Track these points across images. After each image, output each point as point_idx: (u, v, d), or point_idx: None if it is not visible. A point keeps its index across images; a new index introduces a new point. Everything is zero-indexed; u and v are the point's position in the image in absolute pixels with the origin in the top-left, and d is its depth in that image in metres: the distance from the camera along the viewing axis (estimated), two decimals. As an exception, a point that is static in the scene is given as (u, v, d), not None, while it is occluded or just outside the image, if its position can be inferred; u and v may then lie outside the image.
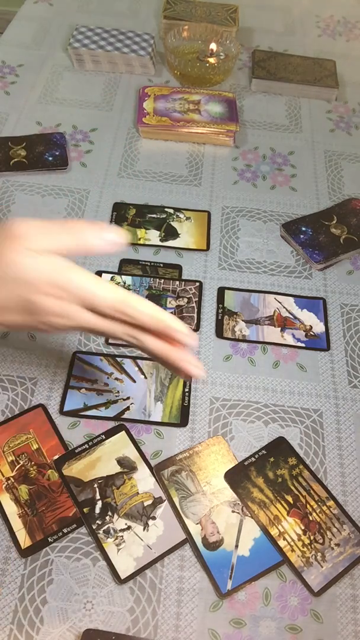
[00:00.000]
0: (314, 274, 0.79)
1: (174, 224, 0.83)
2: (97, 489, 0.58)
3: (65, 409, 0.64)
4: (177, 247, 0.80)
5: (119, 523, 0.56)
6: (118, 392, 0.66)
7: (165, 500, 0.58)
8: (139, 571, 0.54)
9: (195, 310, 0.73)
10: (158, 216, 0.84)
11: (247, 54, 1.13)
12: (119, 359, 0.68)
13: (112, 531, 0.55)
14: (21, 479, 0.58)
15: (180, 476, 0.59)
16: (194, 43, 1.08)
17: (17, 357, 0.68)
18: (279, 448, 0.62)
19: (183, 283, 0.76)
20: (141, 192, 0.87)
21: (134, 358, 0.68)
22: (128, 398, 0.65)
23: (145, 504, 0.58)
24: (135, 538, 0.55)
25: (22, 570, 0.54)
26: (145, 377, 0.67)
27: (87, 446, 0.61)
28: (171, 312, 0.72)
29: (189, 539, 0.56)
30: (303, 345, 0.71)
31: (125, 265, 0.78)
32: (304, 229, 0.83)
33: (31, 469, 0.59)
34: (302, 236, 0.82)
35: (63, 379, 0.66)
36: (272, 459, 0.61)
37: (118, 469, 0.60)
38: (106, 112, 0.99)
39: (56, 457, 0.60)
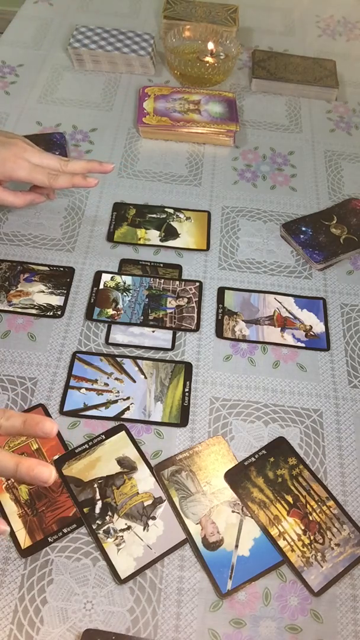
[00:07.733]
0: (314, 274, 0.79)
1: (174, 224, 0.83)
2: (97, 489, 0.58)
3: (65, 409, 0.64)
4: (177, 247, 0.80)
5: (119, 523, 0.56)
6: (118, 392, 0.66)
7: (165, 500, 0.58)
8: (139, 571, 0.54)
9: (195, 310, 0.73)
10: (158, 216, 0.84)
11: (247, 54, 1.13)
12: (119, 359, 0.68)
13: (112, 531, 0.55)
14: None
15: (180, 476, 0.59)
16: (194, 43, 1.08)
17: (17, 357, 0.68)
18: (279, 448, 0.62)
19: (183, 283, 0.76)
20: (141, 192, 0.87)
21: (134, 358, 0.68)
22: (128, 398, 0.65)
23: (145, 504, 0.58)
24: (135, 538, 0.55)
25: (22, 570, 0.54)
26: (145, 377, 0.67)
27: (87, 446, 0.61)
28: (171, 312, 0.73)
29: (189, 539, 0.56)
30: (303, 345, 0.71)
31: (125, 265, 0.78)
32: (304, 229, 0.83)
33: (31, 469, 0.59)
34: (302, 236, 0.82)
35: (63, 379, 0.66)
36: (272, 459, 0.61)
37: (118, 469, 0.60)
38: (106, 112, 0.99)
39: (56, 457, 0.60)
